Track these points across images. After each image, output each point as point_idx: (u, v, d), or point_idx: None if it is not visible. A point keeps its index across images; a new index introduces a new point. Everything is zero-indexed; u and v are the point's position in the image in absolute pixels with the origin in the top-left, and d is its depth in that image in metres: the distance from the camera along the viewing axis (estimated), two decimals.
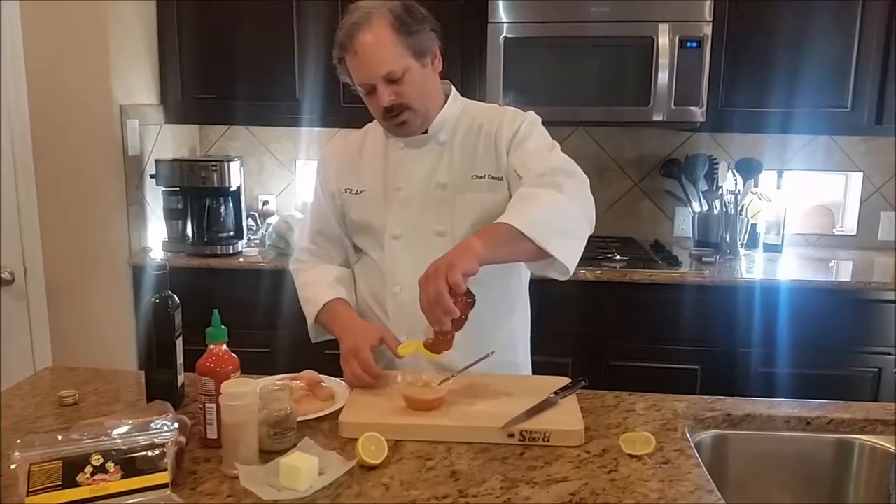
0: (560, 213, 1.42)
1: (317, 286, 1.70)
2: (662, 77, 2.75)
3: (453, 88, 1.67)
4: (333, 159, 1.73)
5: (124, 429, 1.15)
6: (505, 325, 1.68)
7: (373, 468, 1.21)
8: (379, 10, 1.52)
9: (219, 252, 2.92)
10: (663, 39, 2.73)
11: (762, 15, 2.79)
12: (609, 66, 2.82)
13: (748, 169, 3.07)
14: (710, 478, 1.21)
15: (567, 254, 1.42)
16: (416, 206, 1.61)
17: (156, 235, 3.00)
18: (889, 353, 2.65)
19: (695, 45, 2.72)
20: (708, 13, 2.72)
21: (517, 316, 1.72)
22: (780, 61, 2.80)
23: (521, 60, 2.80)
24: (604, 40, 2.77)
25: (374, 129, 1.71)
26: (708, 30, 2.73)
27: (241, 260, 2.89)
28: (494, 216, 1.45)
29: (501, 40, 2.78)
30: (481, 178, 1.58)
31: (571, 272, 1.45)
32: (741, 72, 2.83)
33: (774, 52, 2.80)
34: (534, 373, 1.78)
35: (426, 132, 1.62)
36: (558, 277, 1.48)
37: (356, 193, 1.67)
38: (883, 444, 1.43)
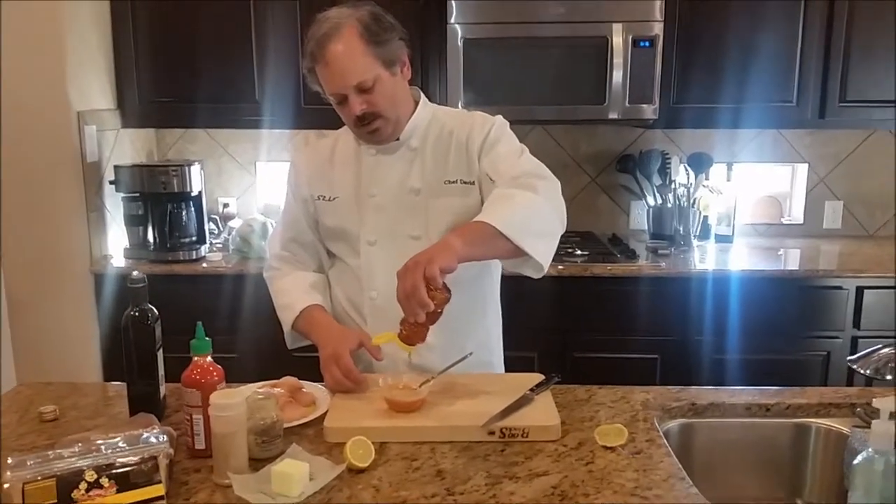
0: (535, 213, 1.48)
1: (292, 293, 1.72)
2: (617, 76, 2.83)
3: (422, 95, 1.71)
4: (305, 167, 1.75)
5: (114, 443, 1.17)
6: (479, 327, 1.73)
7: (361, 471, 1.25)
8: (348, 20, 1.54)
9: (181, 258, 2.90)
10: (617, 39, 2.81)
11: (711, 15, 2.89)
12: (565, 66, 2.88)
13: (699, 163, 3.18)
14: (680, 466, 1.28)
15: (541, 252, 1.48)
16: (390, 212, 1.64)
17: (117, 242, 2.97)
18: (837, 338, 2.79)
19: (647, 44, 2.81)
20: (659, 13, 2.81)
21: (490, 317, 1.77)
22: (728, 59, 2.91)
23: (480, 61, 2.85)
24: (560, 41, 2.84)
25: (344, 135, 1.73)
26: (659, 29, 2.81)
27: (204, 265, 2.88)
28: (467, 220, 1.50)
29: (460, 41, 2.82)
30: (453, 182, 1.63)
31: (545, 270, 1.52)
32: (692, 70, 2.93)
33: (723, 51, 2.91)
34: (504, 369, 1.84)
35: (398, 139, 1.65)
36: (532, 275, 1.54)
37: (329, 200, 1.69)
38: (837, 426, 1.52)
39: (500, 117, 1.68)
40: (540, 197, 1.50)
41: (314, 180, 1.72)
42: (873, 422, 1.03)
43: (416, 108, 1.67)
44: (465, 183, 1.63)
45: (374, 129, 1.60)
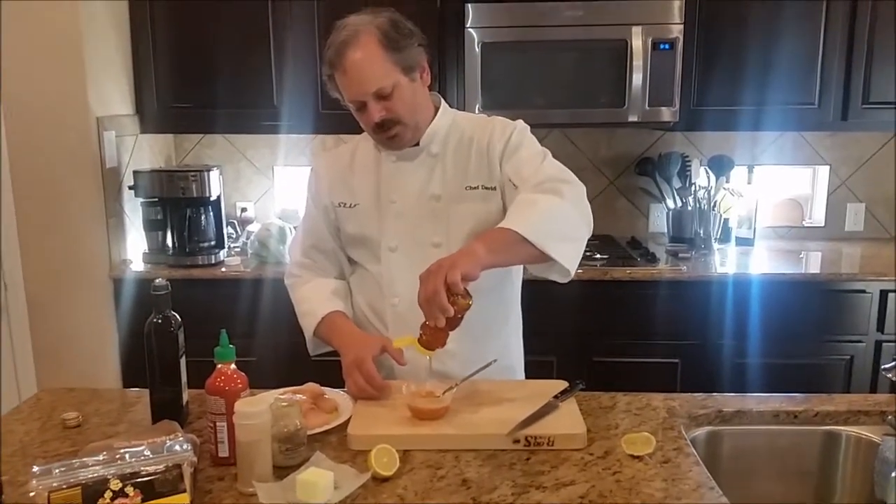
0: (560, 218, 1.47)
1: (314, 300, 1.71)
2: (637, 78, 2.81)
3: (443, 100, 1.69)
4: (325, 174, 1.74)
5: (138, 451, 1.16)
6: (501, 333, 1.72)
7: (386, 480, 1.23)
8: (366, 26, 1.53)
9: (200, 262, 2.90)
10: (637, 42, 2.79)
11: (731, 16, 2.86)
12: (585, 69, 2.87)
13: (720, 165, 3.15)
14: (709, 475, 1.26)
15: (568, 257, 1.47)
16: (411, 219, 1.63)
17: (136, 247, 2.98)
18: (860, 342, 2.76)
19: (667, 46, 2.78)
20: (678, 15, 2.78)
21: (512, 323, 1.76)
22: (749, 61, 2.88)
23: (498, 65, 2.83)
24: (579, 44, 2.82)
25: (364, 141, 1.73)
26: (679, 31, 2.79)
27: (223, 269, 2.89)
28: (489, 226, 1.49)
29: (478, 46, 2.81)
30: (475, 188, 1.61)
31: (572, 274, 1.50)
32: (712, 72, 2.90)
33: (744, 53, 2.88)
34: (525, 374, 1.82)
35: (417, 144, 1.64)
36: (559, 280, 1.53)
37: (350, 207, 1.68)
38: (867, 434, 1.49)
39: (520, 122, 1.66)
40: (566, 201, 1.49)
41: (335, 187, 1.72)
42: None
43: (435, 113, 1.66)
44: (486, 189, 1.62)
45: (393, 135, 1.59)
